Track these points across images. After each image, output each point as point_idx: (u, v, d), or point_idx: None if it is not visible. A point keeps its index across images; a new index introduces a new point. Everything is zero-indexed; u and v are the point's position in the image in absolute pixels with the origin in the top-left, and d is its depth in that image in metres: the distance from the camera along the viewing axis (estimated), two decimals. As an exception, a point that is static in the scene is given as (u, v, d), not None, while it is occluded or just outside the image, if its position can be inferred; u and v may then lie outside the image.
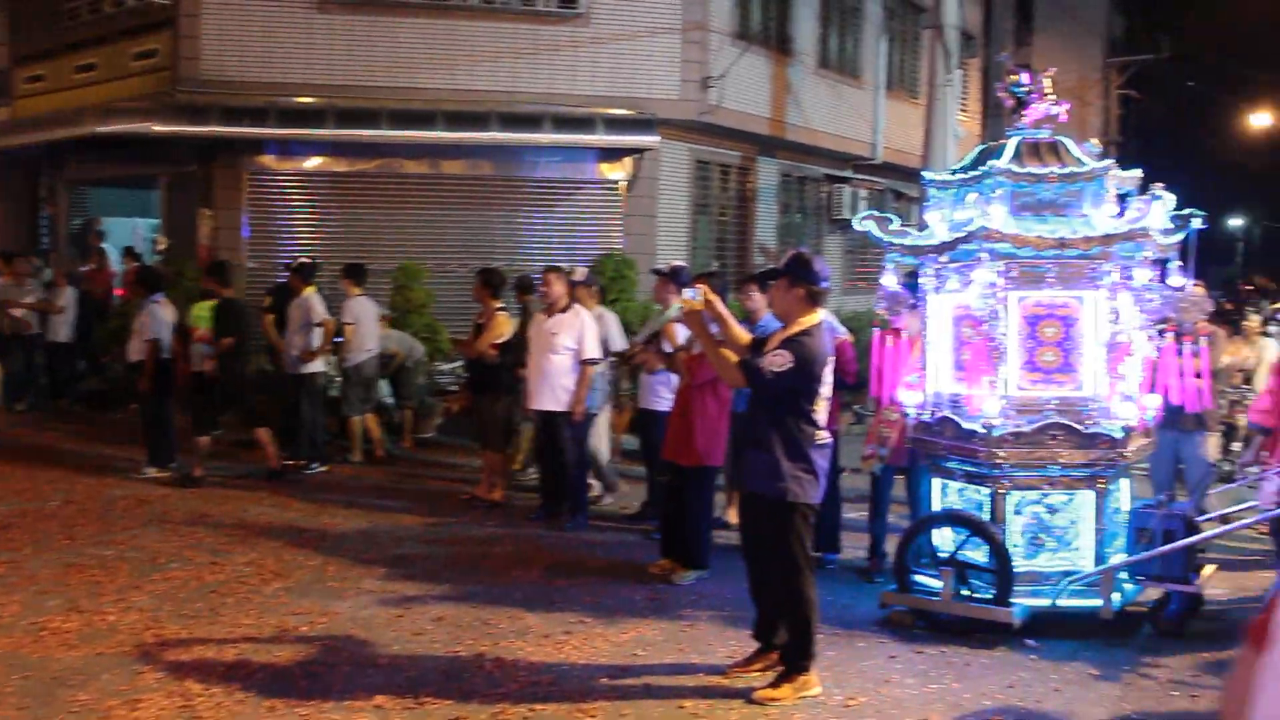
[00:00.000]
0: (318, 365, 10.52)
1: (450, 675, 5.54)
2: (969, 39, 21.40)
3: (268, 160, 14.56)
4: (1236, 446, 9.79)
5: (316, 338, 10.40)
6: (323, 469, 10.48)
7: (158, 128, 13.81)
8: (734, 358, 5.37)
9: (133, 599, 6.68)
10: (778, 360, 5.18)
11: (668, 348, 7.73)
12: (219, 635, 6.08)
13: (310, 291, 10.53)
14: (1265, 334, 11.87)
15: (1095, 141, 6.90)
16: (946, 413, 6.62)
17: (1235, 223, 48.88)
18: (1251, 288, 28.37)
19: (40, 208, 19.49)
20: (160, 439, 10.25)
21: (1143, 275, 6.37)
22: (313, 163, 14.62)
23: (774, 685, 5.28)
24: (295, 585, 7.00)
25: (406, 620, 6.35)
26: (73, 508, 8.96)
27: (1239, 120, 38.33)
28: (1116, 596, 6.11)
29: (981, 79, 24.08)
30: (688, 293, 5.58)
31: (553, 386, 8.57)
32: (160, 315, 10.09)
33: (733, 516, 8.52)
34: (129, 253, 15.67)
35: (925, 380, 6.88)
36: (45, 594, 6.76)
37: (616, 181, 15.23)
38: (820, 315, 5.44)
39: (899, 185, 21.07)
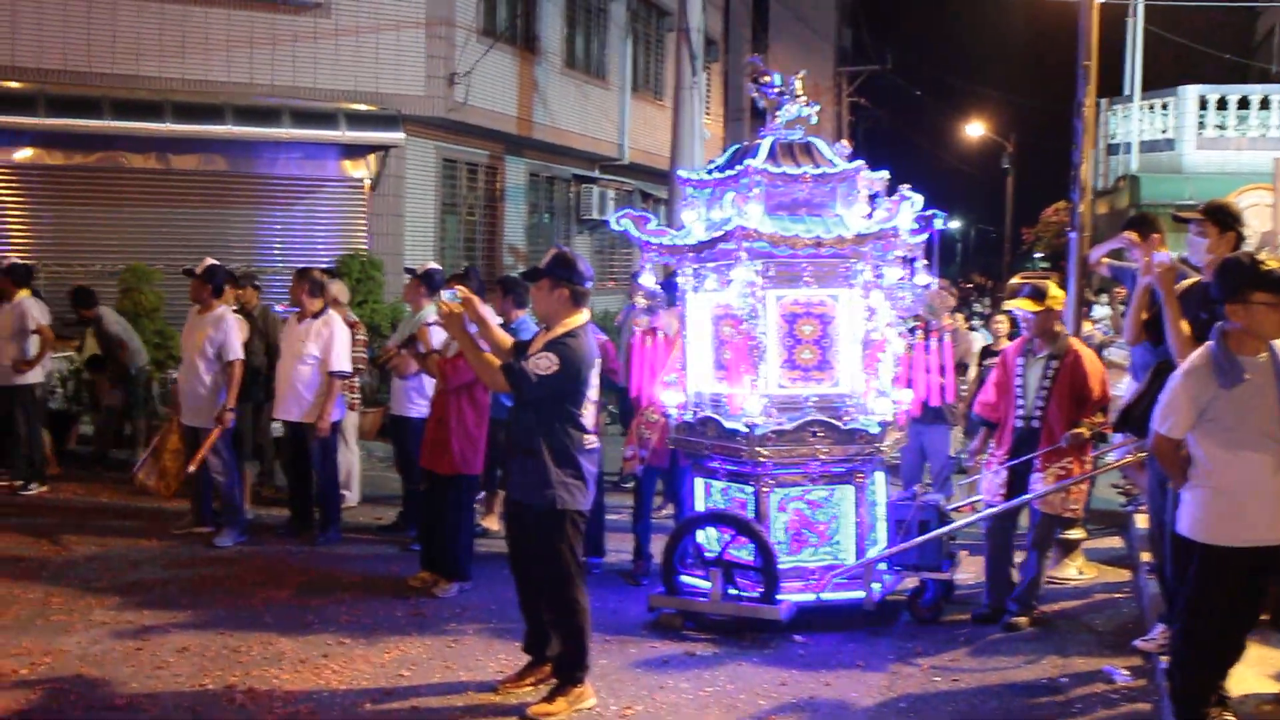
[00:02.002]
0: (35, 375, 9.59)
1: (197, 712, 5.10)
2: (711, 44, 21.93)
3: (-32, 150, 13.23)
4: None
5: (33, 345, 9.49)
6: (41, 489, 9.57)
7: None
8: (496, 361, 5.17)
9: None
10: (543, 363, 5.01)
11: (422, 350, 7.45)
12: (-81, 686, 5.38)
13: (24, 295, 9.60)
14: (971, 328, 12.70)
15: (845, 142, 7.08)
16: (708, 412, 6.63)
17: (954, 225, 52.43)
18: (971, 285, 30.46)
19: None
20: None
21: (893, 274, 6.57)
22: (22, 154, 13.37)
23: (548, 699, 5.12)
24: (13, 622, 6.29)
25: (145, 653, 5.81)
26: None
27: (956, 130, 41.13)
28: (877, 587, 6.29)
29: (723, 83, 24.76)
30: (446, 294, 5.34)
31: (298, 396, 8.13)
32: None
33: (492, 524, 8.34)
34: None
35: (685, 380, 6.89)
36: None
37: (360, 179, 14.71)
38: (585, 316, 5.30)
39: (646, 186, 21.36)
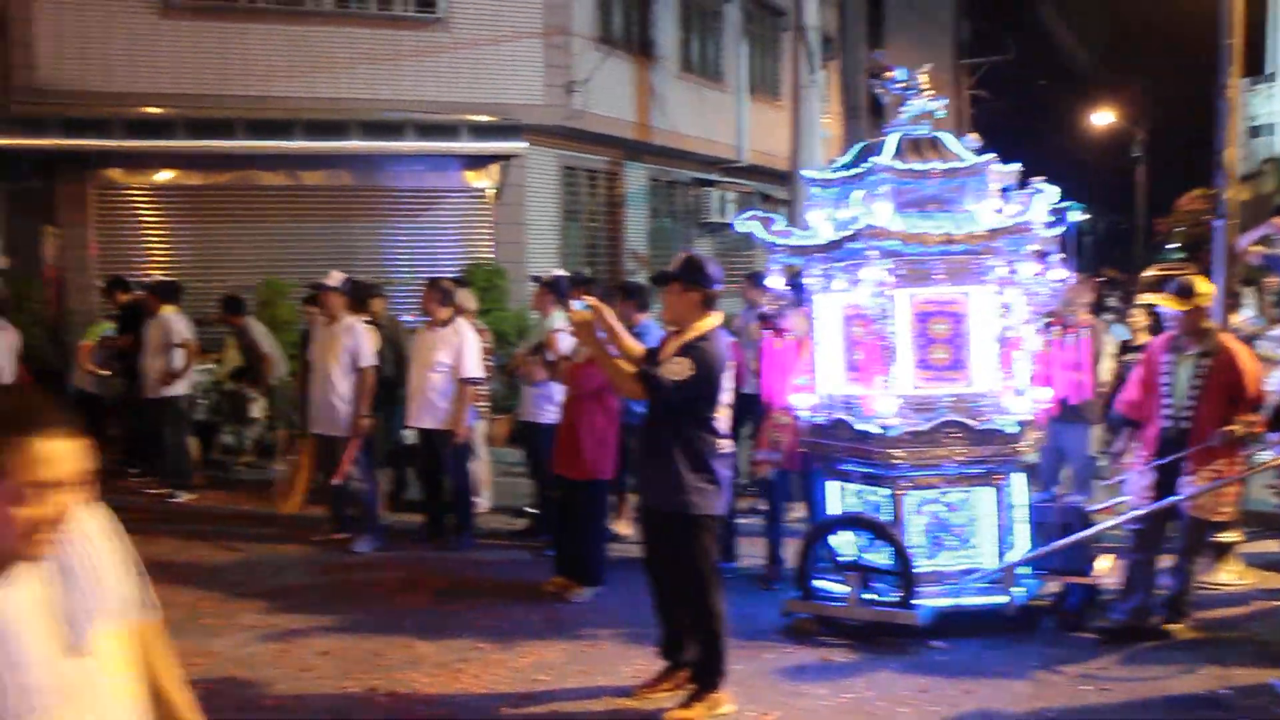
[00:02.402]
0: (180, 388, 9.96)
1: (341, 713, 5.22)
2: (827, 41, 21.68)
3: (115, 174, 13.84)
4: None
5: (178, 359, 9.85)
6: (189, 497, 9.92)
7: (-8, 141, 12.97)
8: (630, 369, 5.17)
9: (-16, 650, 6.14)
10: (678, 368, 5.00)
11: (551, 358, 7.53)
12: (84, 685, 5.61)
13: (170, 311, 9.99)
14: (1106, 323, 12.24)
15: (974, 136, 6.91)
16: (840, 414, 6.54)
17: (1083, 217, 50.90)
18: (1104, 279, 29.47)
19: None
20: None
21: (1028, 269, 6.39)
22: (164, 176, 13.97)
23: (685, 705, 5.10)
24: (168, 624, 6.49)
25: (291, 656, 5.99)
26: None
27: (1082, 118, 39.92)
28: (1019, 592, 6.11)
29: (840, 81, 24.44)
30: (575, 304, 5.37)
31: (431, 404, 8.27)
32: (3, 341, 9.41)
33: (623, 528, 8.36)
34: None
35: (816, 382, 6.80)
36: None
37: (482, 189, 14.95)
38: (716, 319, 5.28)
39: (765, 187, 21.22)
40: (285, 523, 8.97)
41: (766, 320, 7.63)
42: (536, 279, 8.52)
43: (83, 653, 2.07)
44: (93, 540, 2.14)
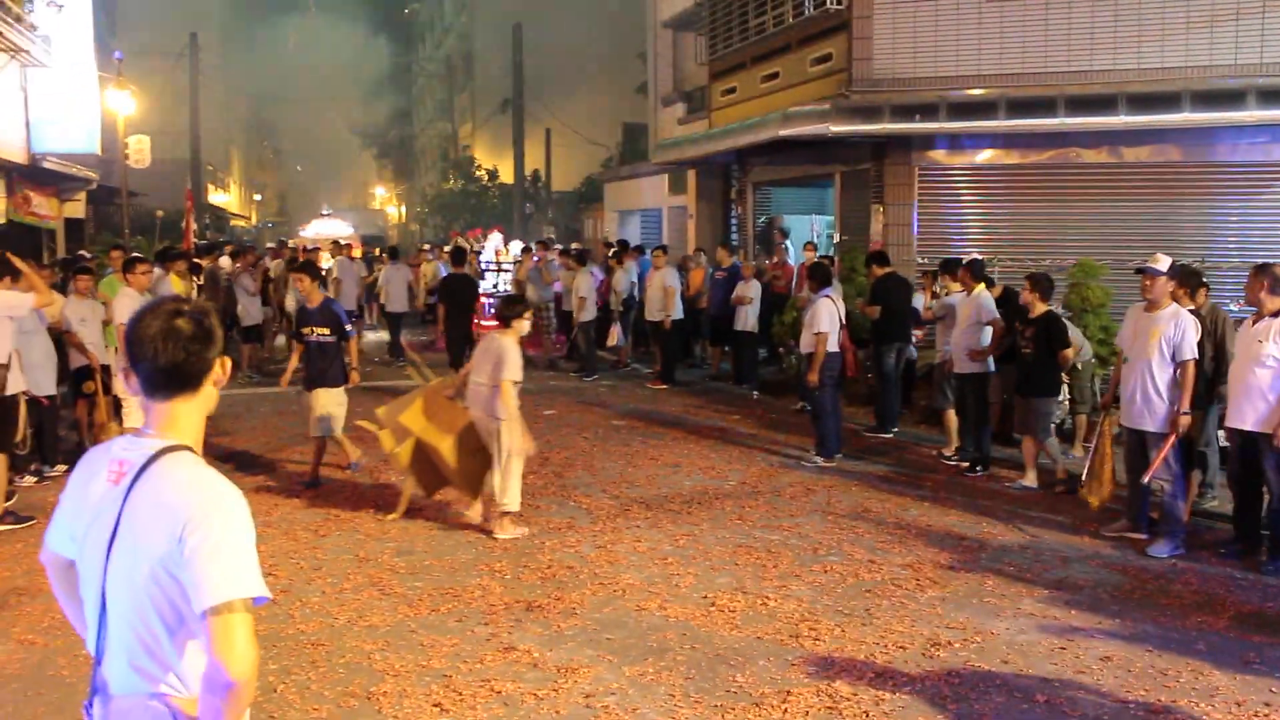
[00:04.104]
0: (986, 366, 10.15)
1: (1116, 728, 4.94)
2: None
3: (937, 155, 14.52)
4: None
5: (986, 337, 10.04)
6: (984, 473, 10.08)
7: (833, 128, 14.33)
8: None
9: (793, 587, 6.87)
10: None
11: None
12: (871, 639, 6.01)
13: (980, 289, 10.21)
14: None
15: None
16: None
17: None
18: None
19: (731, 207, 21.32)
20: (827, 429, 10.54)
21: None
22: (982, 155, 14.34)
23: None
24: (951, 596, 6.74)
25: (1069, 654, 5.81)
26: (746, 489, 9.49)
27: None
28: None
29: None
30: None
31: (1254, 402, 7.41)
32: (829, 309, 10.36)
33: None
34: (809, 247, 16.33)
35: None
36: (716, 570, 7.22)
37: (1337, 162, 13.11)
38: None
39: None
40: (1077, 511, 8.71)
41: None
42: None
43: None
44: None
